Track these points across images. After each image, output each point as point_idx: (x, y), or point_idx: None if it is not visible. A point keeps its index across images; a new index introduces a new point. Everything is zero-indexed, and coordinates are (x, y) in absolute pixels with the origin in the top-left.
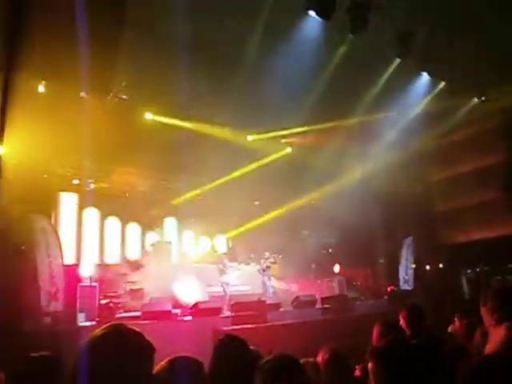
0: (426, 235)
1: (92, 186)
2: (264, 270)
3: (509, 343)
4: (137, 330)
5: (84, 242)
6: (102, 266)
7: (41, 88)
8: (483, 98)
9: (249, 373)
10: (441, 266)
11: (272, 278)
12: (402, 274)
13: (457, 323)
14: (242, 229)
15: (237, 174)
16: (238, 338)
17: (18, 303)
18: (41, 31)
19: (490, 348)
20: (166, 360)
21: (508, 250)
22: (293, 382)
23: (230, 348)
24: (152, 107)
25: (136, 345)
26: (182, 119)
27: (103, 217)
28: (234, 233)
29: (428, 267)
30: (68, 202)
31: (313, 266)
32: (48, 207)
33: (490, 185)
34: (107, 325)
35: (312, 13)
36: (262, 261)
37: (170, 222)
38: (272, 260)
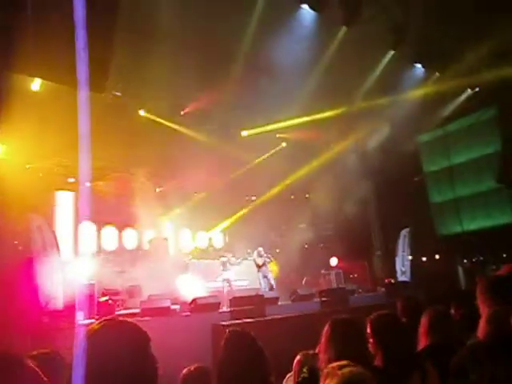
0: (421, 226)
1: (88, 184)
2: (260, 266)
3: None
4: (130, 320)
5: (81, 240)
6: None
7: (35, 86)
8: (477, 89)
9: (255, 364)
10: (437, 256)
11: (270, 272)
12: (398, 266)
13: (453, 312)
14: (237, 223)
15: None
16: (247, 332)
17: (17, 303)
18: (35, 29)
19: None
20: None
21: (502, 240)
22: None
23: (240, 341)
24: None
25: (131, 335)
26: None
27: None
28: (229, 226)
29: (424, 258)
30: (64, 200)
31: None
32: (44, 206)
33: (485, 175)
34: (102, 319)
35: (305, 6)
36: (256, 257)
37: (165, 222)
38: (268, 257)
